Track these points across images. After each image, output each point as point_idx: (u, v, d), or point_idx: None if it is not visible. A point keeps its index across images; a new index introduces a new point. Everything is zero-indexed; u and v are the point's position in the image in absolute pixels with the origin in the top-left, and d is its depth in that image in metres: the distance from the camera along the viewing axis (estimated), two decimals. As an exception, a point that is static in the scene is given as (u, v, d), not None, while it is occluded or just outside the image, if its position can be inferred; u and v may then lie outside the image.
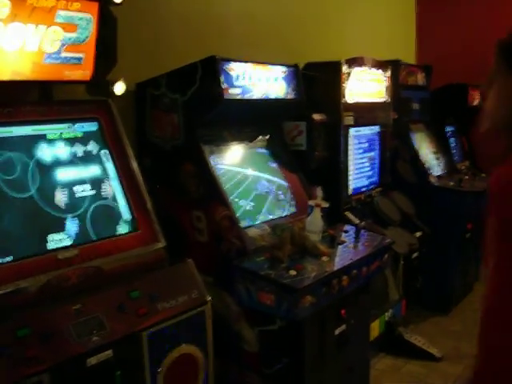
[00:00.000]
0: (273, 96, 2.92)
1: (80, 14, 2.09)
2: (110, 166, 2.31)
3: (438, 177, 4.72)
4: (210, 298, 2.24)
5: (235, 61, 2.68)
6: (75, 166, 2.20)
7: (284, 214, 3.04)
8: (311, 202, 2.80)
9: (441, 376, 3.49)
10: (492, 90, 1.42)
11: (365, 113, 3.70)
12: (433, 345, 3.90)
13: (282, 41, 3.92)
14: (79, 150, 2.24)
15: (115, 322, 1.91)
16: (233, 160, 2.98)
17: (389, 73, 3.93)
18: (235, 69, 2.67)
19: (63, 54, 2.10)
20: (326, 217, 2.85)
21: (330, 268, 2.52)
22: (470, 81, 5.14)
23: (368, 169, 3.92)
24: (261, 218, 2.90)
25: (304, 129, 3.33)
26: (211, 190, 2.68)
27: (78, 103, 2.32)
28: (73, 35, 2.10)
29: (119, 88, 2.37)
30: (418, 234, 4.01)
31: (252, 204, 2.90)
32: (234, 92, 2.67)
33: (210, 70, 2.60)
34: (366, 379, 3.17)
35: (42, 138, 2.14)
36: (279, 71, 2.97)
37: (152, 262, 2.22)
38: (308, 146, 3.33)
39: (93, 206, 2.18)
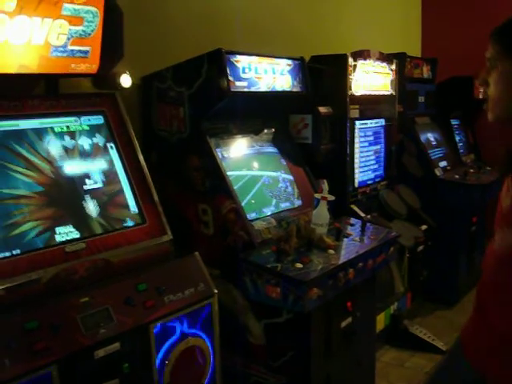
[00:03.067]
0: (279, 89, 2.92)
1: (86, 7, 2.08)
2: (116, 159, 2.32)
3: (444, 170, 4.71)
4: (216, 291, 2.24)
5: (241, 53, 2.68)
6: (82, 159, 2.20)
7: (290, 207, 3.04)
8: (317, 195, 2.80)
9: (446, 369, 3.48)
10: (493, 77, 1.42)
11: (370, 106, 3.70)
12: (438, 338, 3.91)
13: (289, 33, 3.91)
14: (86, 143, 2.25)
15: (123, 314, 1.92)
16: (238, 153, 2.97)
17: (394, 66, 3.91)
18: (241, 61, 2.67)
19: (70, 48, 2.09)
20: (332, 210, 2.85)
21: (336, 261, 2.53)
22: (475, 73, 5.12)
23: (373, 162, 3.91)
24: (267, 211, 2.90)
25: (310, 122, 3.32)
26: (217, 183, 2.68)
27: (84, 96, 2.32)
28: (79, 28, 2.09)
29: (125, 81, 2.37)
30: (424, 227, 4.01)
31: (258, 197, 2.90)
32: (240, 85, 2.66)
33: (216, 62, 2.59)
34: (372, 372, 3.17)
35: (49, 131, 2.15)
36: (285, 64, 2.96)
37: (159, 254, 2.23)
38: (314, 139, 3.32)
39: (99, 198, 2.18)
